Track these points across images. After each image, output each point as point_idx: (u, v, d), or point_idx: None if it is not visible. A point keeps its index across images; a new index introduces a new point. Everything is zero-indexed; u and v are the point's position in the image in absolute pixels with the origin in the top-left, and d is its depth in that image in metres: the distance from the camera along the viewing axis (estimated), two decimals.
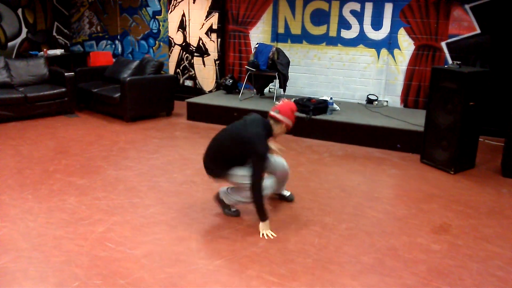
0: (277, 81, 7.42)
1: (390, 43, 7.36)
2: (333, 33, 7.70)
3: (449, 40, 7.00)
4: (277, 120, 3.79)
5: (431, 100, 5.49)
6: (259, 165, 3.65)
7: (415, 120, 6.33)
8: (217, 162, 3.88)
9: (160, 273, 3.17)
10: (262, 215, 3.76)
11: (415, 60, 7.27)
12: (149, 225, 3.84)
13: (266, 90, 8.03)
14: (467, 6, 6.81)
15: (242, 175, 3.76)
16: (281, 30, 8.06)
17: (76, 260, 3.30)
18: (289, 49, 7.96)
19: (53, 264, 3.24)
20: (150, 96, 7.33)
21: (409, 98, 7.41)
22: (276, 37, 8.11)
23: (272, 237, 3.71)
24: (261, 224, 3.78)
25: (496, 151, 6.15)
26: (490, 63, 6.71)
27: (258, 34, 8.25)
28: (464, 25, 6.88)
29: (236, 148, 3.75)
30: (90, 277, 3.10)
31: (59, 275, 3.11)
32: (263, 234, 3.74)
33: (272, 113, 3.81)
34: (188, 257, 3.38)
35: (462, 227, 4.02)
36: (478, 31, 6.82)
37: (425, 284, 3.15)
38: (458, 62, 5.42)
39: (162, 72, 7.75)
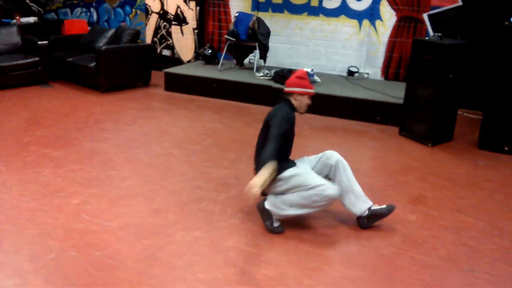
0: (257, 51, 7.31)
1: (372, 14, 7.28)
2: (315, 2, 7.58)
3: (431, 12, 6.96)
4: (288, 93, 3.47)
5: (411, 73, 5.49)
6: (277, 126, 3.27)
7: (395, 93, 6.32)
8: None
9: (137, 244, 3.15)
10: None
11: (396, 31, 7.22)
12: (126, 198, 3.79)
13: (246, 60, 7.92)
14: None
15: (290, 175, 3.32)
16: None
17: (51, 232, 3.25)
18: (270, 19, 7.82)
19: (27, 236, 3.19)
20: (127, 66, 7.16)
21: (390, 71, 7.39)
22: (256, 5, 7.95)
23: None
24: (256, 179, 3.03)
25: (474, 124, 6.21)
26: (471, 35, 6.70)
27: (238, 2, 8.08)
28: None
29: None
30: (65, 249, 3.06)
31: (34, 247, 3.06)
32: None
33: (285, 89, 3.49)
34: (165, 229, 3.35)
35: (438, 199, 4.07)
36: (460, 3, 6.79)
37: (400, 254, 3.20)
38: (439, 34, 5.40)
39: (138, 41, 7.57)
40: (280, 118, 3.33)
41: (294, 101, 3.49)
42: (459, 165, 4.87)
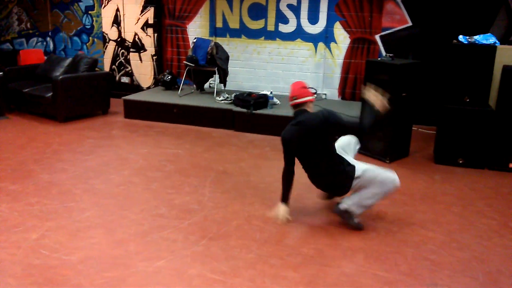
0: (217, 76, 7.37)
1: (327, 37, 7.49)
2: (271, 27, 7.74)
3: (382, 33, 7.22)
4: (302, 104, 3.81)
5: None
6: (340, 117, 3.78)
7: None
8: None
9: (98, 278, 3.07)
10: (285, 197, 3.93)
11: (351, 53, 7.44)
12: (85, 230, 3.70)
13: (206, 85, 7.96)
14: (398, 0, 7.05)
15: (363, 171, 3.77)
16: (219, 24, 8.00)
17: (9, 269, 3.14)
18: (228, 44, 7.93)
19: None
20: (85, 95, 7.07)
21: (347, 91, 7.58)
22: (214, 31, 8.05)
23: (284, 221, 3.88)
24: (280, 205, 3.93)
25: (428, 139, 6.42)
26: (421, 54, 6.97)
27: (196, 28, 8.16)
28: (397, 18, 7.12)
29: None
30: (24, 286, 2.96)
31: None
32: (277, 216, 3.91)
33: (292, 102, 3.85)
34: (127, 260, 3.29)
35: (398, 214, 4.16)
36: (409, 23, 7.08)
37: (363, 272, 3.24)
38: (391, 55, 5.60)
39: (96, 69, 7.50)
40: (334, 112, 3.76)
41: (308, 109, 3.83)
42: (416, 180, 5.01)
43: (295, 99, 3.81)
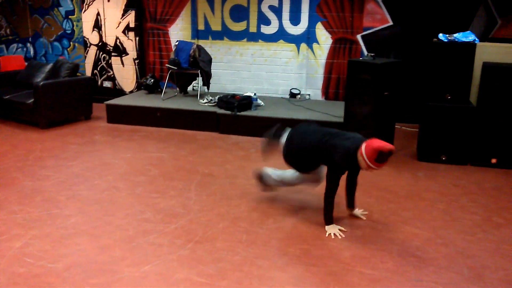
0: (200, 78, 7.36)
1: (309, 38, 7.52)
2: (253, 29, 7.75)
3: (364, 33, 7.28)
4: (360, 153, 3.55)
5: (349, 92, 5.68)
6: (334, 175, 3.74)
7: (336, 112, 6.52)
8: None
9: (85, 285, 3.04)
10: (329, 220, 3.83)
11: (333, 53, 7.49)
12: (70, 237, 3.66)
13: (189, 88, 7.94)
14: None
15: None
16: (201, 26, 7.99)
17: None
18: (210, 46, 7.92)
19: None
20: (67, 100, 7.00)
21: (330, 91, 7.63)
22: (196, 34, 8.03)
23: (340, 237, 3.72)
24: (327, 227, 3.82)
25: (411, 137, 6.48)
26: (402, 53, 7.04)
27: (178, 31, 8.13)
28: (377, 17, 7.18)
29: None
30: None
31: None
32: (330, 234, 3.76)
33: (362, 145, 3.55)
34: (113, 266, 3.26)
35: (383, 212, 4.20)
36: (390, 23, 7.15)
37: (350, 270, 3.26)
38: (372, 54, 5.64)
39: (78, 74, 7.43)
40: (337, 166, 3.71)
41: (360, 159, 3.57)
42: (400, 178, 5.06)
43: (363, 158, 3.52)
